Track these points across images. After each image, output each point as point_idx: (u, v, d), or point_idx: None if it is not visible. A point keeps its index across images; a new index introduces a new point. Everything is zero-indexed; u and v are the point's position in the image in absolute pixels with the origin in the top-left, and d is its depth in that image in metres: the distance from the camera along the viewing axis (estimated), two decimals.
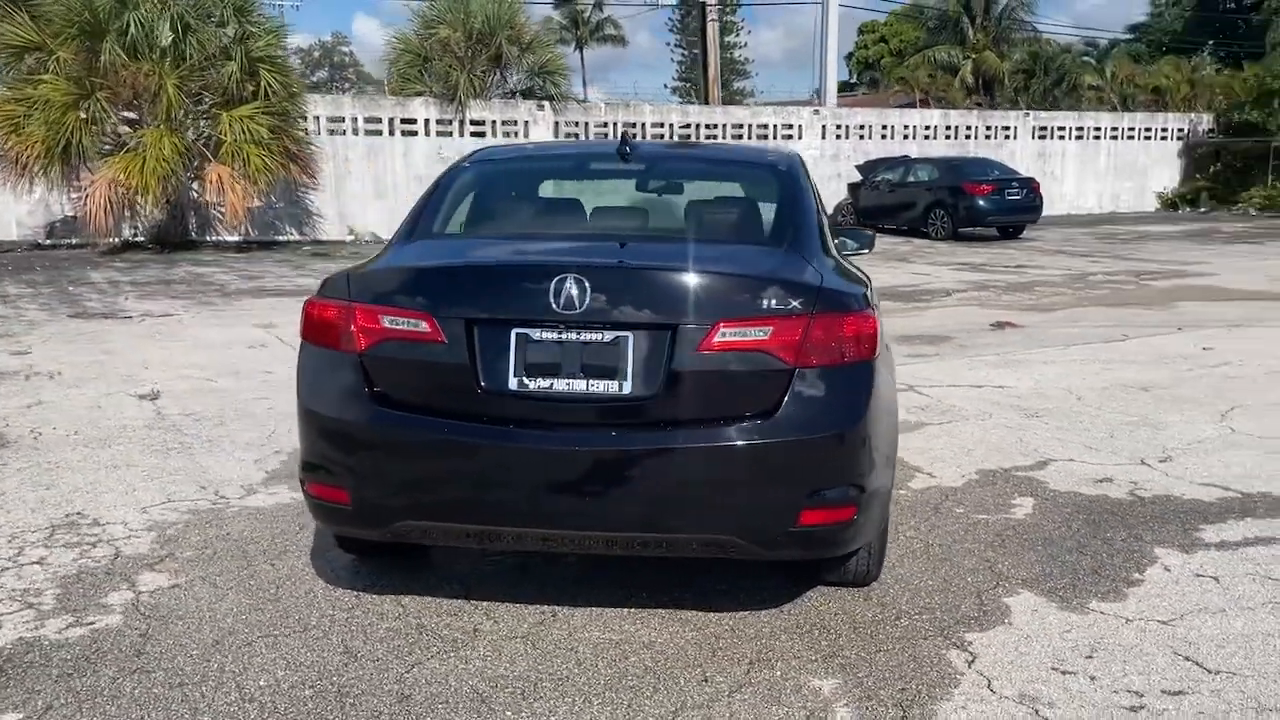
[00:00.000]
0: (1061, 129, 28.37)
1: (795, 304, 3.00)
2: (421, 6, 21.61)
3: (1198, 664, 3.13)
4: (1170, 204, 29.66)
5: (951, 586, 3.73)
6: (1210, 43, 53.92)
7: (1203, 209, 28.45)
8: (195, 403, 6.59)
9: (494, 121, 21.23)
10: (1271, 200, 27.08)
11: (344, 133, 20.08)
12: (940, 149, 26.03)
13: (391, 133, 20.46)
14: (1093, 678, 3.05)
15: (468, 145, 20.85)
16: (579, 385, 3.01)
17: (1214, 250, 17.66)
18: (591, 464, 2.99)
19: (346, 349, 3.15)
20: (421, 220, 3.69)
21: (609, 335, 3.00)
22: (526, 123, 21.51)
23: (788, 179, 3.89)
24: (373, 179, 20.31)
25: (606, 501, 3.02)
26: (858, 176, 23.04)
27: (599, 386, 3.00)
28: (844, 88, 72.79)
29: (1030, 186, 20.56)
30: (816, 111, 25.37)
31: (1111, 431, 5.91)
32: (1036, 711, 2.86)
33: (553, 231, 3.79)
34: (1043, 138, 28.02)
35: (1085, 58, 48.90)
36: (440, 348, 3.05)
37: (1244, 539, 4.22)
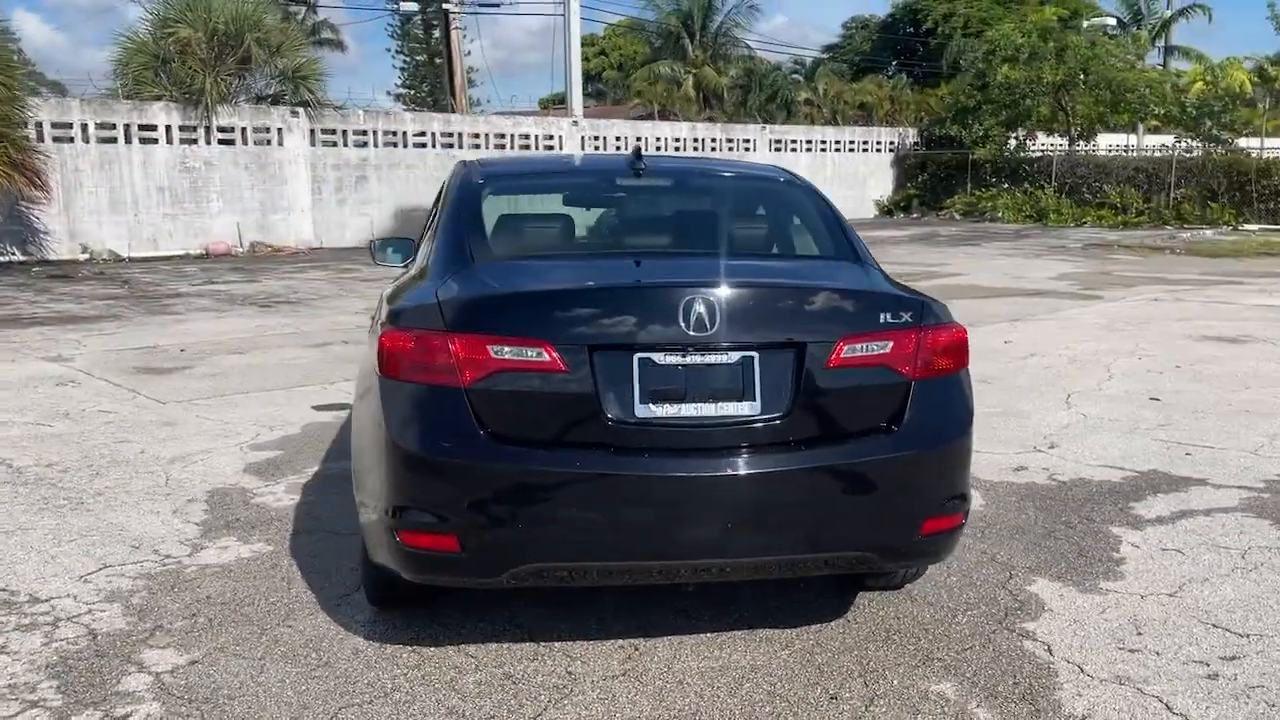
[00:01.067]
0: (794, 142, 30.31)
1: (907, 317, 3.09)
2: (156, 5, 19.90)
3: (1229, 630, 3.50)
4: (886, 210, 32.40)
5: (974, 581, 3.95)
6: (894, 62, 59.40)
7: (915, 214, 31.28)
8: (43, 451, 5.77)
9: (244, 129, 19.88)
10: (972, 206, 30.15)
11: (72, 140, 18.11)
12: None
13: (129, 140, 18.68)
14: (1157, 653, 3.34)
15: (216, 154, 19.47)
16: (707, 409, 2.94)
17: (948, 252, 19.50)
18: (727, 490, 2.93)
19: (448, 382, 2.91)
20: (465, 243, 3.45)
21: (735, 356, 2.95)
22: (280, 130, 20.33)
23: (814, 192, 3.98)
24: (108, 191, 18.46)
25: (742, 528, 2.97)
26: None
27: (728, 409, 2.95)
28: (562, 100, 74.11)
29: None
30: (575, 123, 25.66)
31: (989, 422, 6.43)
32: (1141, 690, 3.10)
33: (618, 250, 3.67)
34: (778, 150, 29.79)
35: (795, 75, 52.41)
36: (561, 377, 2.88)
37: (1174, 513, 4.74)
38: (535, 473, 2.86)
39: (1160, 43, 41.48)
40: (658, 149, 26.80)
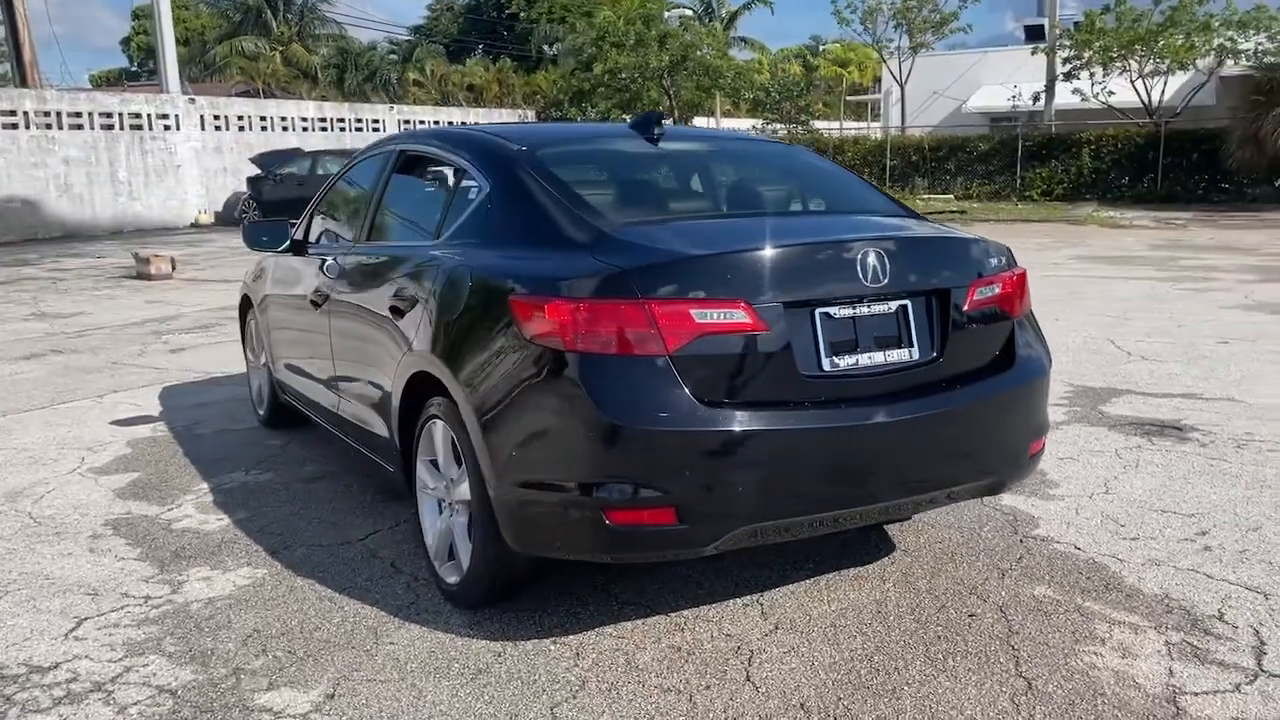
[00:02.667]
0: (423, 122, 29.88)
1: (1005, 260, 3.44)
2: None
3: (1176, 512, 4.25)
4: None
5: (956, 505, 4.42)
6: (481, 45, 60.19)
7: None
8: None
9: None
10: None
11: None
12: (318, 141, 25.81)
13: None
14: (1151, 538, 3.99)
15: None
16: (877, 357, 3.09)
17: None
18: (908, 433, 3.09)
19: (651, 351, 2.81)
20: (570, 210, 3.26)
21: (894, 305, 3.12)
22: None
23: (825, 159, 4.21)
24: None
25: (917, 467, 3.16)
26: (254, 170, 21.95)
27: (893, 356, 3.12)
28: (129, 76, 66.69)
29: None
30: (193, 100, 23.47)
31: None
32: (1176, 568, 3.71)
33: (732, 212, 3.69)
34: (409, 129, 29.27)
35: (392, 55, 51.37)
36: (760, 336, 2.90)
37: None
38: (749, 434, 2.86)
39: (731, 33, 45.77)
40: (285, 129, 25.26)
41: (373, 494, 4.65)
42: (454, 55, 55.39)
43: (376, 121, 28.34)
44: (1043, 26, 43.81)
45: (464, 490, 3.29)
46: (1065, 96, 28.69)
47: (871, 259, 3.06)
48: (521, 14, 58.00)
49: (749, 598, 3.50)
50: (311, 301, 4.52)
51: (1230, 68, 26.59)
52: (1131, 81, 27.35)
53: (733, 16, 45.84)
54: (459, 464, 3.36)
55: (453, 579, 3.43)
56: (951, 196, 27.65)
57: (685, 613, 3.39)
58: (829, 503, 3.06)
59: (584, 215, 3.24)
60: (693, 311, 2.83)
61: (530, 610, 3.40)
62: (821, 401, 2.99)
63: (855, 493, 3.09)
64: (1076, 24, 29.86)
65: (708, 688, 2.92)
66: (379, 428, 3.94)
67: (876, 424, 3.04)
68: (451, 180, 3.89)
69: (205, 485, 4.85)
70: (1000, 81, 35.58)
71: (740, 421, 2.86)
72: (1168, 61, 26.49)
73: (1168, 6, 26.37)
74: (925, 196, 27.27)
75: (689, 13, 42.45)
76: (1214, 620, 3.26)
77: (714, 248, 3.07)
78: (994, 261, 3.40)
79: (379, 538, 4.12)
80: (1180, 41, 25.98)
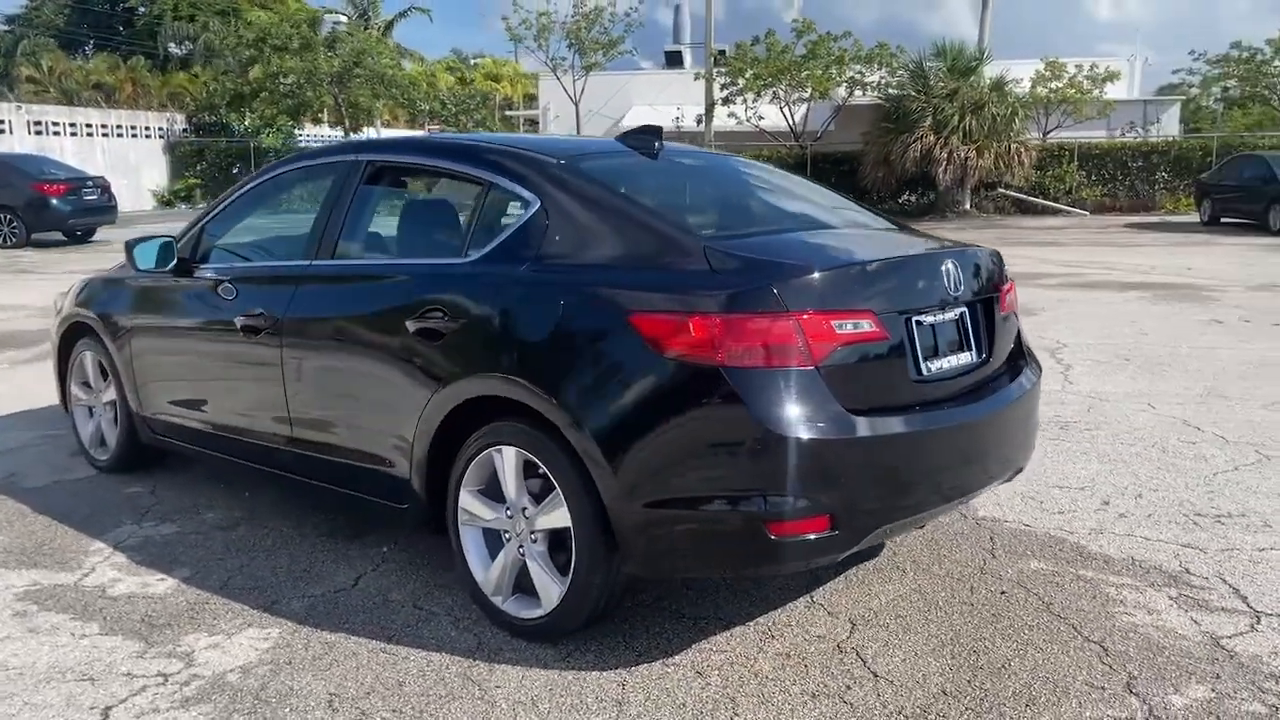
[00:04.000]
0: (56, 124, 26.66)
1: (1004, 267, 3.82)
2: None
3: (1072, 487, 4.89)
4: (166, 201, 30.33)
5: None
6: (93, 39, 54.61)
7: (199, 205, 29.80)
8: None
9: None
10: None
11: None
12: None
13: None
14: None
15: None
16: (950, 360, 3.30)
17: None
18: (991, 427, 3.38)
19: (801, 363, 2.85)
20: (663, 227, 3.18)
21: (958, 311, 3.37)
22: None
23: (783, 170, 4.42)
24: None
25: (995, 457, 3.45)
26: None
27: (961, 359, 3.36)
28: None
29: (104, 186, 19.37)
30: None
31: None
32: (1114, 532, 4.29)
33: (795, 227, 3.72)
34: (40, 133, 25.97)
35: None
36: (883, 344, 3.04)
37: None
38: (890, 438, 2.99)
39: (388, 41, 44.83)
40: None
41: (315, 535, 4.24)
42: (65, 48, 49.72)
43: (2, 123, 24.89)
44: (680, 53, 47.10)
45: (553, 518, 3.15)
46: (722, 119, 30.96)
47: (952, 269, 3.32)
48: (141, 8, 53.27)
49: (804, 600, 3.62)
50: (246, 328, 4.03)
51: (859, 97, 29.98)
52: (780, 108, 30.09)
53: (389, 24, 44.90)
54: (531, 492, 3.22)
55: (532, 613, 3.26)
56: None
57: (761, 621, 3.45)
58: (944, 496, 3.28)
59: (672, 229, 3.21)
60: (833, 323, 2.93)
61: (609, 636, 3.31)
62: (927, 403, 3.19)
63: (960, 485, 3.34)
64: (722, 51, 32.35)
65: (847, 687, 3.02)
66: (382, 462, 3.63)
67: (973, 421, 3.31)
68: (471, 195, 3.65)
69: (101, 544, 4.18)
70: (649, 103, 37.81)
71: (880, 427, 2.99)
72: (809, 90, 29.43)
73: (809, 41, 29.26)
74: None
75: (343, 19, 41.04)
76: (1186, 575, 3.82)
77: (839, 261, 3.19)
78: (1004, 269, 3.78)
79: (373, 580, 3.79)
80: (820, 73, 28.94)
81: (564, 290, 3.14)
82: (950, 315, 3.36)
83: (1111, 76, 30.17)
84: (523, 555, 3.28)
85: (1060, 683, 3.04)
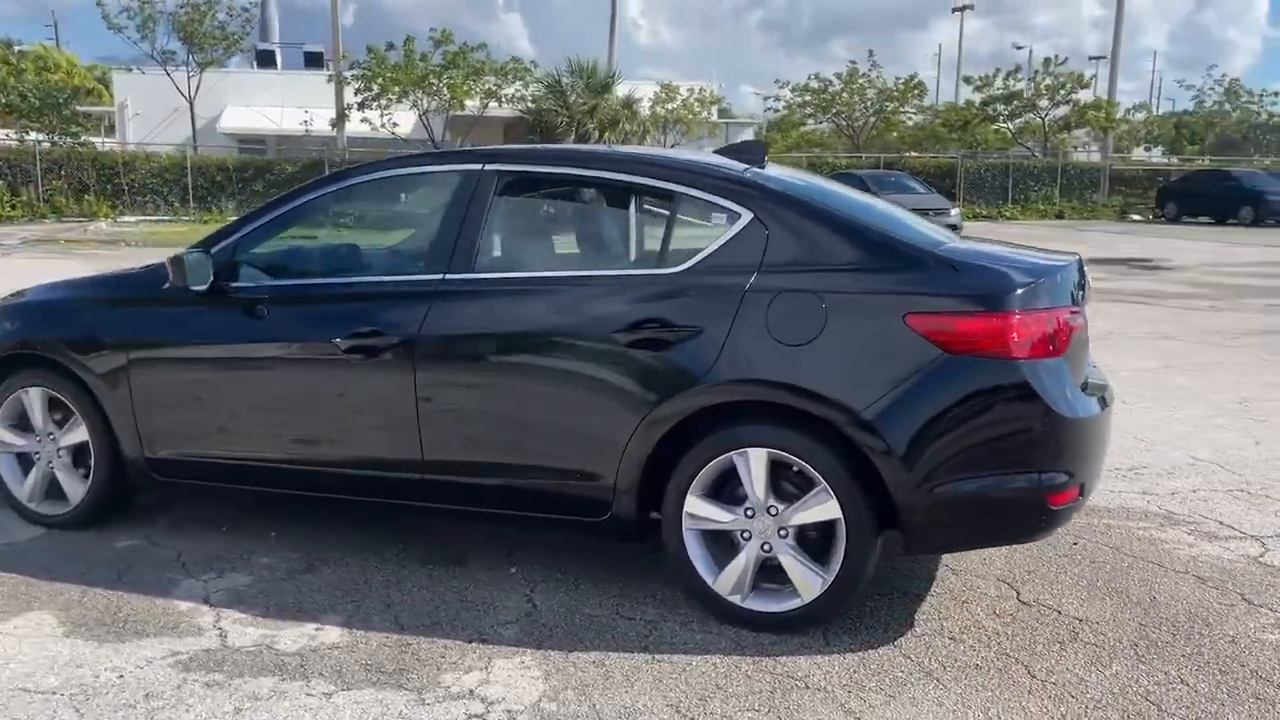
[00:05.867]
0: None
1: None
2: None
3: None
4: None
5: None
6: None
7: None
8: None
9: None
10: None
11: None
12: None
13: None
14: None
15: None
16: None
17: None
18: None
19: (1058, 352, 3.28)
20: (885, 234, 3.49)
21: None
22: None
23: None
24: None
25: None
26: None
27: None
28: None
29: None
30: None
31: None
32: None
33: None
34: None
35: None
36: (1084, 334, 3.58)
37: None
38: (1099, 417, 3.49)
39: None
40: None
41: (415, 564, 4.01)
42: None
43: None
44: (273, 53, 45.09)
45: (814, 513, 3.34)
46: (355, 125, 30.14)
47: (1078, 274, 3.89)
48: None
49: (946, 570, 4.09)
50: (356, 350, 3.73)
51: (500, 109, 30.61)
52: (420, 116, 29.94)
53: None
54: (776, 491, 3.40)
55: (784, 606, 3.43)
56: None
57: (944, 593, 3.87)
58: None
59: (900, 237, 3.51)
60: (1066, 317, 3.42)
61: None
62: (1083, 386, 3.77)
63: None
64: (319, 54, 31.49)
65: (1030, 651, 3.52)
66: (580, 476, 3.58)
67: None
68: (654, 206, 3.70)
69: (185, 603, 3.65)
70: (245, 104, 35.88)
71: (1093, 406, 3.51)
72: (448, 99, 29.57)
73: (447, 51, 29.35)
74: None
75: None
76: (1193, 519, 4.69)
77: (1056, 262, 3.64)
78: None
79: (545, 600, 3.69)
80: (461, 83, 29.19)
81: (823, 297, 3.35)
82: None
83: (716, 100, 33.42)
84: (766, 553, 3.44)
85: (1198, 610, 3.74)
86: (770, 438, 3.37)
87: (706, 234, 3.62)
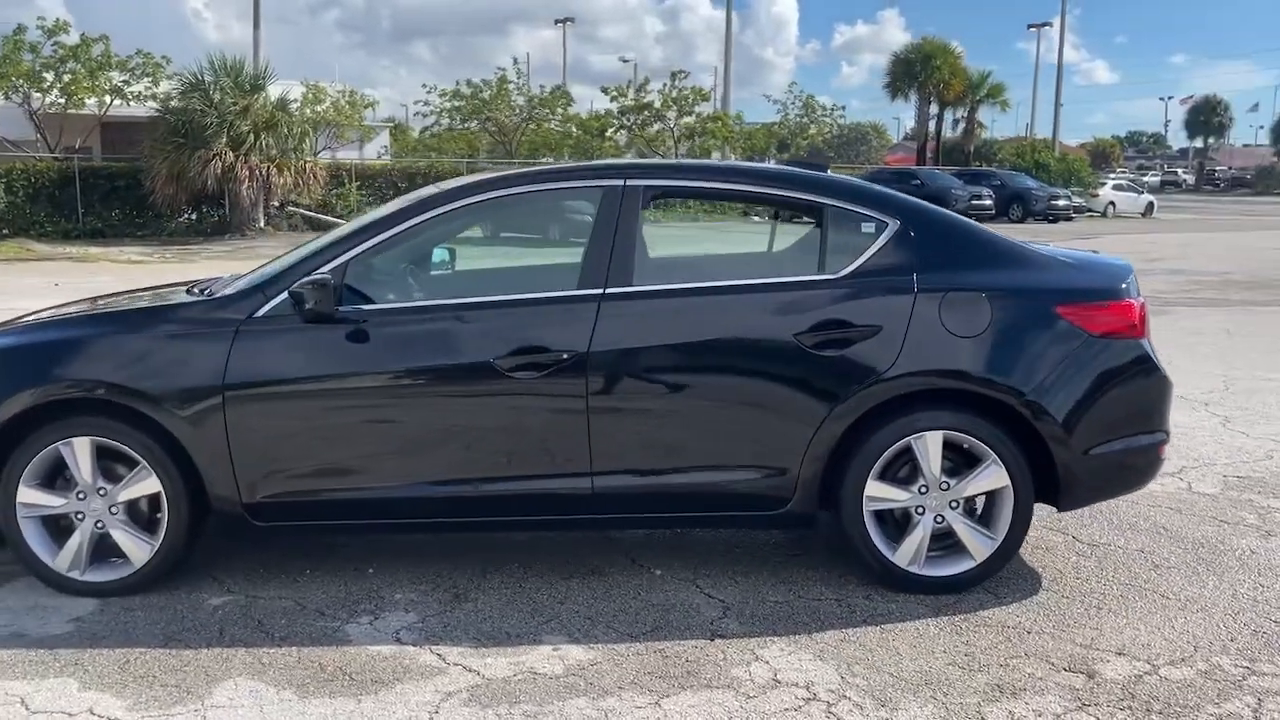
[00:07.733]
0: None
1: None
2: None
3: None
4: None
5: None
6: None
7: None
8: None
9: None
10: None
11: None
12: None
13: None
14: None
15: None
16: None
17: None
18: None
19: (1148, 333, 3.96)
20: (1001, 239, 3.99)
21: None
22: None
23: None
24: None
25: None
26: None
27: None
28: None
29: None
30: None
31: None
32: None
33: None
34: None
35: None
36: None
37: None
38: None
39: None
40: None
41: (558, 577, 3.98)
42: None
43: None
44: None
45: (982, 483, 3.81)
46: None
47: None
48: None
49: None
50: (518, 368, 3.66)
51: (129, 108, 27.65)
52: (30, 115, 26.42)
53: None
54: (945, 467, 3.83)
55: (958, 569, 3.85)
56: None
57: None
58: None
59: (1011, 241, 4.08)
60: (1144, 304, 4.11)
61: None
62: None
63: None
64: None
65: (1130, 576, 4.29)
66: (765, 471, 3.81)
67: None
68: (799, 217, 3.95)
69: (378, 647, 3.40)
70: None
71: None
72: (66, 97, 26.33)
73: (59, 43, 26.05)
74: None
75: None
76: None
77: (1116, 261, 4.31)
78: None
79: (734, 597, 3.84)
80: (83, 79, 26.09)
81: (986, 293, 3.82)
82: None
83: (373, 104, 32.62)
84: (939, 524, 3.86)
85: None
86: (947, 420, 3.80)
87: (857, 242, 3.96)
